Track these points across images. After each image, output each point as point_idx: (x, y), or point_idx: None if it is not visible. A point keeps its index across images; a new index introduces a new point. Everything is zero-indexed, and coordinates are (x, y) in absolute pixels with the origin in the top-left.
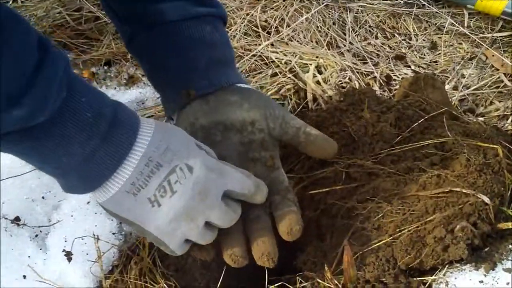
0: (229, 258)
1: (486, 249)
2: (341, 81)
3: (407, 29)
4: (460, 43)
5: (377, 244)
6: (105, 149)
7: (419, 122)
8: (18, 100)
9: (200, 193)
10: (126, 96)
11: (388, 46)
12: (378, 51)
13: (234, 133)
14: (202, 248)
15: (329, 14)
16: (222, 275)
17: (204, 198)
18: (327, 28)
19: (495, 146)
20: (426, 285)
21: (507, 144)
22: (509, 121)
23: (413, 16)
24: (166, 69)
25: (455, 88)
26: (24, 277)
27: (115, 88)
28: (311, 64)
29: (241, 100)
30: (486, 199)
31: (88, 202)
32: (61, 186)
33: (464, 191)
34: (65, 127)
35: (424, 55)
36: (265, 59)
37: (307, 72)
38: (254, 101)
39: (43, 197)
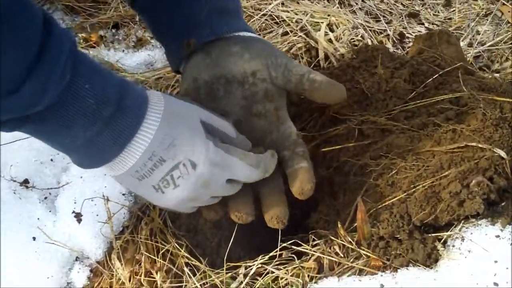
0: (234, 216)
1: (503, 204)
2: (353, 39)
3: None
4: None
5: (391, 201)
6: (108, 134)
7: (434, 77)
8: (18, 87)
9: (202, 185)
10: (134, 58)
11: (401, 3)
12: (391, 9)
13: (236, 86)
14: (210, 208)
15: None
16: (234, 234)
17: (207, 187)
18: None
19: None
20: (442, 241)
21: None
22: None
23: None
24: (168, 21)
25: (470, 45)
26: (34, 239)
27: (123, 51)
28: (322, 23)
29: (242, 50)
30: (502, 154)
31: None
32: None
33: (480, 145)
34: (66, 112)
35: (438, 12)
36: (276, 18)
37: (319, 30)
38: (255, 50)
39: (51, 159)
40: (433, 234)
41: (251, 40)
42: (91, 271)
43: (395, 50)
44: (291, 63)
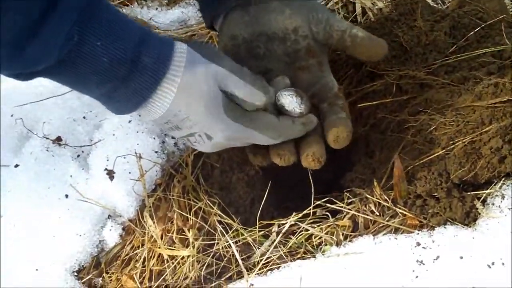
0: (276, 157)
1: None
2: None
3: None
4: None
5: (429, 158)
6: (123, 92)
7: (476, 30)
8: (23, 46)
9: (220, 147)
10: (167, 16)
11: None
12: None
13: (277, 44)
14: (256, 154)
15: None
16: (267, 192)
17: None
18: None
19: None
20: (481, 200)
21: None
22: None
23: None
24: None
25: None
26: (66, 196)
27: (156, 8)
28: None
29: (282, 5)
30: None
31: (130, 121)
32: None
33: None
34: (77, 69)
35: None
36: None
37: None
38: (296, 5)
39: (84, 117)
40: (472, 192)
41: None
42: (123, 229)
43: (435, 3)
44: (333, 17)
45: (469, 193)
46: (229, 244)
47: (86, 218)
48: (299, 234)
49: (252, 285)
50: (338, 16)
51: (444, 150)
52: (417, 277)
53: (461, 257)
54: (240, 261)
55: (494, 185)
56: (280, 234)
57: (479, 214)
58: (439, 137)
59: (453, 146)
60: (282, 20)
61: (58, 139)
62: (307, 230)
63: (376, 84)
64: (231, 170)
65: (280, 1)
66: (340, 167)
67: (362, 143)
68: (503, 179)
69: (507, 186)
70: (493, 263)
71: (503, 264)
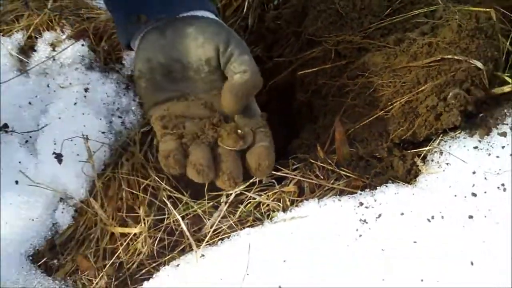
0: (192, 167)
1: (481, 115)
2: None
3: None
4: None
5: (369, 120)
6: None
7: None
8: None
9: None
10: None
11: None
12: None
13: (193, 73)
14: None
15: None
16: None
17: None
18: None
19: (488, 9)
20: (421, 157)
21: (500, 8)
22: None
23: None
24: None
25: None
26: (17, 182)
27: None
28: None
29: (196, 32)
30: (479, 64)
31: (75, 104)
32: None
33: (456, 57)
34: None
35: None
36: None
37: None
38: (209, 33)
39: (29, 103)
40: (412, 151)
41: (207, 22)
42: (75, 210)
43: None
44: (236, 56)
45: (409, 151)
46: (180, 219)
47: (38, 203)
48: (247, 202)
49: (203, 255)
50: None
51: (383, 111)
52: (360, 236)
53: (402, 214)
54: (188, 235)
55: (433, 142)
56: (227, 204)
57: (419, 171)
58: (377, 99)
59: (391, 106)
60: (195, 49)
61: (5, 126)
62: (254, 198)
63: (315, 51)
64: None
65: (195, 27)
66: (288, 134)
67: (305, 109)
68: (441, 135)
69: (445, 142)
70: (432, 217)
71: (442, 217)
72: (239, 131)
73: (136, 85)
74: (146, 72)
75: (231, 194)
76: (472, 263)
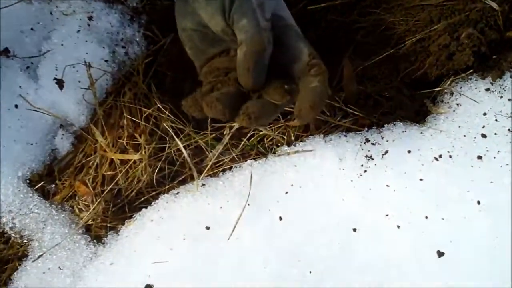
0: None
1: (494, 57)
2: None
3: None
4: None
5: (379, 58)
6: None
7: None
8: None
9: None
10: None
11: None
12: None
13: (222, 33)
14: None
15: None
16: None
17: None
18: None
19: None
20: (431, 98)
21: None
22: None
23: None
24: None
25: None
26: (16, 106)
27: None
28: None
29: (205, 2)
30: (494, 5)
31: (78, 31)
32: None
33: None
34: None
35: None
36: None
37: None
38: (215, 2)
39: (32, 28)
40: (422, 91)
41: None
42: (75, 137)
43: None
44: (238, 19)
45: (419, 91)
46: (181, 148)
47: (37, 128)
48: (251, 135)
49: (204, 185)
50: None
51: (394, 50)
52: (365, 171)
53: (409, 151)
54: (190, 162)
55: (443, 82)
56: (230, 135)
57: (429, 111)
58: (389, 36)
59: (402, 45)
60: (209, 20)
61: (6, 50)
62: (259, 131)
63: None
64: (183, 78)
65: None
66: None
67: (315, 46)
68: (452, 76)
69: (456, 83)
70: (440, 156)
71: (450, 157)
72: (286, 86)
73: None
74: (186, 40)
75: (234, 126)
76: (478, 202)
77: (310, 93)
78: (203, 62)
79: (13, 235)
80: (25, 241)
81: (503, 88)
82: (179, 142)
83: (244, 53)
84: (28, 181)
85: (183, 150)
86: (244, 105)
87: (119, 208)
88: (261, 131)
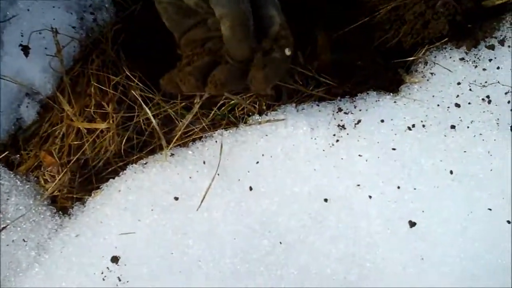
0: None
1: (469, 26)
2: None
3: None
4: None
5: (353, 26)
6: None
7: None
8: None
9: None
10: None
11: None
12: None
13: (196, 7)
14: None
15: None
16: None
17: None
18: None
19: None
20: (405, 67)
21: None
22: None
23: None
24: None
25: None
26: None
27: None
28: None
29: None
30: None
31: None
32: None
33: None
34: None
35: None
36: None
37: None
38: None
39: None
40: (396, 60)
41: None
42: (41, 106)
43: None
44: None
45: (393, 61)
46: (150, 116)
47: (2, 96)
48: (221, 104)
49: (172, 155)
50: None
51: (368, 18)
52: (337, 141)
53: (382, 121)
54: (159, 131)
55: (418, 52)
56: (200, 104)
57: (403, 80)
58: (363, 4)
59: (377, 13)
60: None
61: None
62: (230, 100)
63: None
64: (153, 45)
65: None
66: None
67: (287, 14)
68: (427, 45)
69: (430, 52)
70: (413, 125)
71: (423, 126)
72: None
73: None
74: (162, 12)
75: (204, 95)
76: (451, 172)
77: (267, 63)
78: (180, 33)
79: None
80: None
81: (478, 58)
82: (148, 111)
83: (229, 27)
84: None
85: (152, 119)
86: (212, 73)
87: (85, 178)
88: (232, 100)
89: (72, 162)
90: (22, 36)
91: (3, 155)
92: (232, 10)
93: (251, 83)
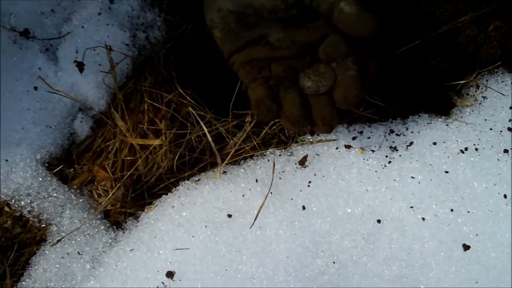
0: (287, 122)
1: None
2: None
3: None
4: None
5: (405, 48)
6: None
7: None
8: None
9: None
10: None
11: None
12: None
13: (268, 14)
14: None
15: None
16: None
17: None
18: None
19: None
20: (457, 90)
21: None
22: None
23: None
24: None
25: None
26: (36, 88)
27: None
28: None
29: None
30: None
31: (100, 14)
32: None
33: None
34: None
35: None
36: None
37: None
38: None
39: (52, 10)
40: (448, 83)
41: None
42: (94, 121)
43: None
44: None
45: (445, 83)
46: (202, 134)
47: (56, 111)
48: (273, 124)
49: (225, 172)
50: None
51: (420, 41)
52: (390, 162)
53: (434, 143)
54: (213, 147)
55: (470, 75)
56: (252, 122)
57: (454, 103)
58: (416, 27)
59: (429, 36)
60: None
61: (26, 31)
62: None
63: None
64: (205, 64)
65: None
66: None
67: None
68: (478, 69)
69: (482, 75)
70: (466, 149)
71: (476, 149)
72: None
73: (213, 35)
74: (218, 22)
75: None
76: (505, 196)
77: (350, 80)
78: (235, 47)
79: (31, 218)
80: (44, 225)
81: None
82: (204, 128)
83: (353, 2)
84: (46, 165)
85: (208, 135)
86: (316, 114)
87: (138, 194)
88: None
89: (125, 177)
90: (76, 52)
91: (58, 168)
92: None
93: (343, 101)
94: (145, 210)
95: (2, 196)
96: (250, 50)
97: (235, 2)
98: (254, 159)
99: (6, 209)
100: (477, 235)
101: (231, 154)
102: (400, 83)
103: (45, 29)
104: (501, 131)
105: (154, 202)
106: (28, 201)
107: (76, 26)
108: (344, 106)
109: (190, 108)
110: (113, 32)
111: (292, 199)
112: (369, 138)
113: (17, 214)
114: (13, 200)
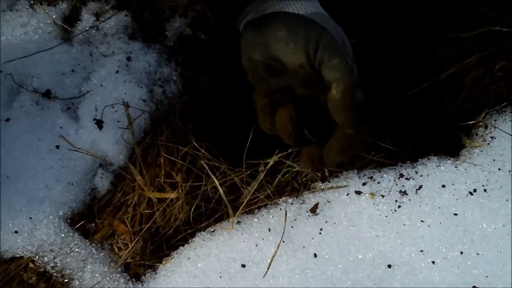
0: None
1: None
2: None
3: None
4: None
5: (414, 91)
6: None
7: None
8: None
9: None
10: None
11: None
12: None
13: (291, 70)
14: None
15: None
16: (251, 134)
17: None
18: None
19: None
20: (465, 131)
21: None
22: None
23: None
24: None
25: None
26: (57, 147)
27: None
28: None
29: (287, 37)
30: None
31: (117, 72)
32: None
33: (504, 29)
34: None
35: None
36: None
37: None
38: (299, 38)
39: (72, 70)
40: (456, 124)
41: (298, 24)
42: (114, 176)
43: None
44: (327, 61)
45: (453, 124)
46: (218, 185)
47: (78, 168)
48: (285, 172)
49: (239, 222)
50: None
51: (428, 83)
52: (399, 206)
53: (443, 186)
54: (225, 200)
55: (478, 115)
56: (265, 172)
57: (463, 144)
58: (423, 70)
59: (437, 78)
60: (288, 55)
61: (48, 92)
62: (293, 167)
63: None
64: (219, 117)
65: (287, 31)
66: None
67: None
68: (486, 109)
69: (490, 115)
70: (475, 190)
71: (485, 191)
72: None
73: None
74: (249, 67)
75: (268, 163)
76: None
77: (342, 139)
78: (264, 91)
79: (54, 274)
80: (66, 280)
81: None
82: (215, 180)
83: (341, 92)
84: (69, 221)
85: (219, 188)
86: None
87: (156, 246)
88: (295, 167)
89: (144, 230)
90: (96, 110)
91: (79, 224)
92: (348, 76)
93: (326, 156)
94: (163, 262)
95: (27, 253)
96: (276, 97)
97: (264, 54)
98: (267, 208)
99: (31, 265)
100: (487, 277)
101: (243, 205)
102: (410, 126)
103: (66, 89)
104: (510, 171)
105: (171, 254)
106: (52, 257)
107: (95, 84)
108: (327, 161)
109: (204, 160)
110: (130, 88)
111: (304, 247)
112: (379, 183)
113: (41, 270)
114: (37, 257)
